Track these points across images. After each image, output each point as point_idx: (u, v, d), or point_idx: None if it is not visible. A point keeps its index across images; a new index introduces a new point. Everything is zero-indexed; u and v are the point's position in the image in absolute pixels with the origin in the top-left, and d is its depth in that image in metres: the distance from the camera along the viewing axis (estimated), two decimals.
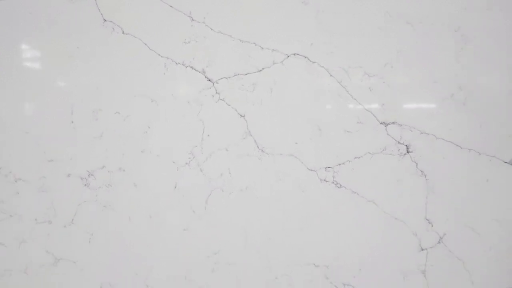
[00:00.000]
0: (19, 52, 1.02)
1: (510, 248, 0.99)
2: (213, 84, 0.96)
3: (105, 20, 0.94)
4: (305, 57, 0.96)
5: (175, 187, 0.97)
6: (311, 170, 0.96)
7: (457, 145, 0.97)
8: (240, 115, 0.96)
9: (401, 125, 0.96)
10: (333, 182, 0.97)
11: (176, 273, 1.00)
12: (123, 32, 0.93)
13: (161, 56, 0.92)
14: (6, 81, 1.01)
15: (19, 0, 1.01)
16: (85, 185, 0.92)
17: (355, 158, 0.96)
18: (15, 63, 0.96)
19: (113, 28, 0.93)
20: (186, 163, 0.96)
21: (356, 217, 0.99)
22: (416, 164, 0.97)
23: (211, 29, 0.92)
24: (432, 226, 0.97)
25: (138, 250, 1.01)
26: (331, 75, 0.96)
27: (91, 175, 0.95)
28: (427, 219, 0.97)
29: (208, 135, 0.96)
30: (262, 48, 0.96)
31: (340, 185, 0.97)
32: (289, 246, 1.01)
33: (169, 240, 0.99)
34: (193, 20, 0.92)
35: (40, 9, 1.03)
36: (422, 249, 0.98)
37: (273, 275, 0.97)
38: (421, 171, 0.97)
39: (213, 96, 0.96)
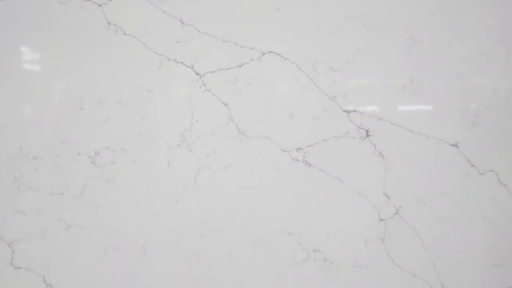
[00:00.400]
0: (36, 53, 1.13)
1: (457, 217, 1.07)
2: (200, 77, 1.08)
3: (109, 24, 1.04)
4: (278, 54, 1.08)
5: (168, 165, 1.09)
6: (284, 151, 1.08)
7: (409, 130, 1.08)
8: (224, 104, 1.08)
9: (361, 113, 1.08)
10: (303, 161, 1.09)
11: (169, 239, 1.11)
12: (124, 33, 1.06)
13: (156, 53, 1.05)
14: (30, 78, 1.13)
15: (37, 8, 1.17)
16: (92, 162, 1.05)
17: (322, 140, 1.08)
18: (34, 64, 1.09)
19: (116, 30, 1.06)
20: (178, 145, 1.08)
21: (324, 191, 1.10)
22: (375, 146, 1.09)
23: (199, 31, 1.05)
24: (389, 200, 1.10)
25: (137, 218, 1.12)
26: (300, 70, 1.08)
27: (97, 154, 1.08)
28: (385, 194, 1.09)
29: (197, 121, 1.08)
30: (242, 47, 1.08)
31: (310, 164, 1.09)
32: (266, 216, 1.12)
33: (164, 210, 1.11)
34: (183, 23, 1.05)
35: (56, 15, 1.11)
36: (381, 220, 1.10)
37: (252, 241, 1.10)
38: (379, 152, 1.09)
39: (200, 87, 1.08)
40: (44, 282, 1.12)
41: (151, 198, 1.12)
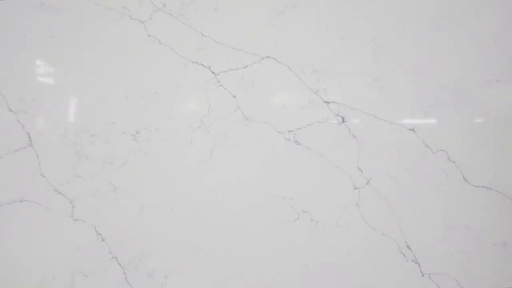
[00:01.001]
0: (99, 56, 1.34)
1: (416, 188, 1.30)
2: (215, 75, 1.31)
3: (149, 35, 1.31)
4: (274, 58, 1.32)
5: (191, 142, 1.31)
6: (279, 132, 1.31)
7: (376, 117, 1.32)
8: (233, 96, 1.31)
9: (338, 104, 1.32)
10: (293, 141, 1.32)
11: (190, 200, 1.33)
12: (160, 43, 1.31)
13: (183, 57, 1.30)
14: (90, 77, 1.36)
15: (101, 24, 1.35)
16: (134, 139, 1.29)
17: (308, 125, 1.32)
18: (97, 64, 1.34)
19: (153, 40, 1.31)
20: (198, 127, 1.31)
21: (310, 165, 1.32)
22: (349, 130, 1.32)
23: (214, 41, 1.31)
24: (362, 172, 1.32)
25: (167, 183, 1.33)
26: (291, 71, 1.32)
27: (138, 132, 1.31)
28: (358, 168, 1.31)
29: (212, 109, 1.31)
30: (246, 53, 1.32)
31: (299, 143, 1.32)
32: (265, 184, 1.33)
33: (186, 177, 1.32)
34: (203, 35, 1.31)
35: (112, 29, 1.35)
36: (355, 188, 1.32)
37: (254, 204, 1.32)
38: (353, 135, 1.32)
39: (215, 83, 1.32)
40: (96, 231, 1.32)
41: (177, 168, 1.33)
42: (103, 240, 1.33)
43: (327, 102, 1.32)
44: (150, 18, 1.34)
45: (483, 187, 1.31)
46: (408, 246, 1.31)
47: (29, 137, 1.35)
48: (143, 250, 1.35)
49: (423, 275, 1.32)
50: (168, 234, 1.35)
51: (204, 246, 1.35)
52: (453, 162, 1.31)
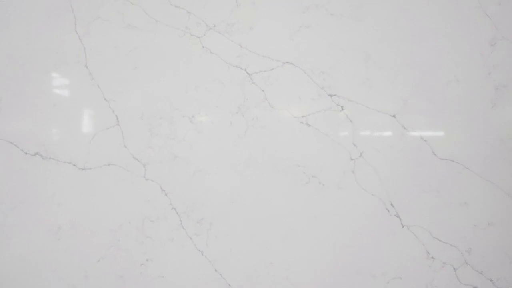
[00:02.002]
0: (168, 63, 1.56)
1: (397, 160, 1.48)
2: (250, 75, 1.52)
3: (203, 47, 1.53)
4: (292, 63, 1.52)
5: (231, 124, 1.51)
6: (295, 117, 1.51)
7: (367, 107, 1.50)
8: (262, 90, 1.51)
9: (338, 97, 1.50)
10: (306, 124, 1.51)
11: (229, 166, 1.52)
12: (210, 52, 1.53)
13: (226, 62, 1.53)
14: (160, 76, 1.57)
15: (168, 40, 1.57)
16: (190, 121, 1.52)
17: (316, 112, 1.50)
18: (169, 70, 1.56)
19: (206, 51, 1.53)
20: (236, 112, 1.52)
21: (318, 141, 1.50)
22: (347, 116, 1.50)
23: (249, 50, 1.52)
24: (356, 147, 1.50)
25: (212, 154, 1.52)
26: (305, 73, 1.51)
27: (193, 116, 1.52)
28: (353, 144, 1.50)
29: (247, 99, 1.52)
30: (272, 59, 1.52)
31: (309, 125, 1.51)
32: (284, 155, 1.51)
33: (227, 150, 1.52)
34: (241, 46, 1.53)
35: (174, 43, 1.56)
36: (351, 159, 1.50)
37: (277, 170, 1.51)
38: (350, 120, 1.50)
39: (249, 81, 1.52)
40: (161, 188, 1.52)
41: (221, 142, 1.53)
42: (166, 195, 1.55)
43: (331, 95, 1.52)
44: (204, 35, 1.55)
45: (447, 159, 1.49)
46: (391, 204, 1.50)
47: (117, 119, 1.57)
48: (194, 203, 1.55)
49: (403, 227, 1.50)
50: (212, 191, 1.54)
51: (239, 201, 1.53)
52: (425, 140, 1.49)
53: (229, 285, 1.54)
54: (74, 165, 1.59)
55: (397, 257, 1.51)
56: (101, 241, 1.58)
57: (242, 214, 1.55)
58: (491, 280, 1.48)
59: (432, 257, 1.50)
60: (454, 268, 1.49)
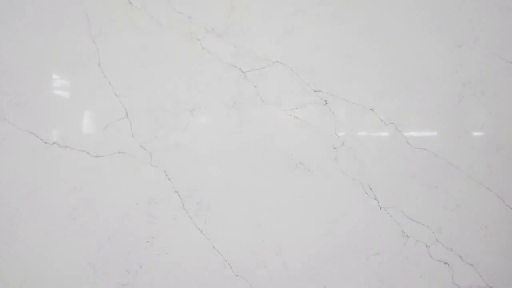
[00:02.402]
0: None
1: (375, 147, 1.59)
2: (244, 73, 1.64)
3: (202, 48, 1.63)
4: (281, 63, 1.63)
5: (227, 115, 1.63)
6: (284, 110, 1.62)
7: (347, 101, 1.61)
8: (254, 86, 1.62)
9: (322, 92, 1.61)
10: (293, 116, 1.62)
11: (224, 153, 1.64)
12: (209, 52, 1.64)
13: (223, 61, 1.64)
14: (165, 74, 1.68)
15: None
16: (191, 114, 1.64)
17: (303, 105, 1.62)
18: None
19: (205, 51, 1.65)
20: (232, 106, 1.63)
21: (304, 132, 1.61)
22: (330, 109, 1.60)
23: (243, 51, 1.64)
24: (338, 137, 1.61)
25: (211, 142, 1.63)
26: (292, 70, 1.62)
27: (194, 109, 1.64)
28: (336, 134, 1.61)
29: (241, 94, 1.64)
30: (263, 59, 1.63)
31: (297, 117, 1.62)
32: (274, 143, 1.63)
33: (225, 137, 1.63)
34: (236, 47, 1.64)
35: (177, 44, 1.68)
36: (334, 148, 1.61)
37: (266, 156, 1.63)
38: (332, 112, 1.61)
39: (243, 78, 1.64)
40: (165, 173, 1.63)
41: (219, 132, 1.65)
42: (169, 179, 1.67)
43: (315, 91, 1.63)
44: (203, 37, 1.66)
45: (420, 148, 1.59)
46: (370, 188, 1.61)
47: (126, 112, 1.68)
48: (194, 187, 1.66)
49: (380, 208, 1.60)
50: (210, 176, 1.65)
51: (234, 185, 1.64)
52: (399, 131, 1.59)
53: (225, 260, 1.69)
54: (88, 153, 1.74)
55: (375, 235, 1.62)
56: (112, 221, 1.72)
57: (237, 196, 1.67)
58: (460, 257, 1.61)
59: (407, 236, 1.62)
60: (426, 246, 1.62)
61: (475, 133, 1.60)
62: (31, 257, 1.76)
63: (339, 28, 1.64)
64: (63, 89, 1.76)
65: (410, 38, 1.63)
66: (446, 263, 1.61)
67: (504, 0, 1.63)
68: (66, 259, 1.75)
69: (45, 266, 1.75)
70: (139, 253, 1.73)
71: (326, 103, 1.65)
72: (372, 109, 1.63)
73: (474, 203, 1.60)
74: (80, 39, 1.76)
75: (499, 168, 1.59)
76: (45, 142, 1.77)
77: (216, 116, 1.68)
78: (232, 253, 1.68)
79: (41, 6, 1.81)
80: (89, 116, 1.75)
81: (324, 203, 1.65)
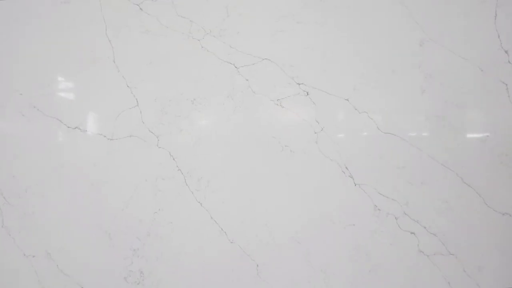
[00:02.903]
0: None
1: (350, 132, 1.74)
2: (237, 69, 1.79)
3: (202, 47, 1.80)
4: (269, 59, 1.78)
5: (223, 104, 1.78)
6: (271, 100, 1.78)
7: (327, 93, 1.76)
8: (246, 80, 1.78)
9: (305, 85, 1.77)
10: (280, 105, 1.77)
11: (222, 137, 1.78)
12: (208, 51, 1.80)
13: (220, 59, 1.80)
14: (170, 71, 1.84)
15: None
16: (192, 103, 1.78)
17: (288, 96, 1.78)
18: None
19: (204, 50, 1.80)
20: (227, 96, 1.79)
21: (288, 119, 1.77)
22: (311, 99, 1.77)
23: (237, 50, 1.80)
24: (318, 123, 1.76)
25: (209, 127, 1.78)
26: (278, 66, 1.77)
27: (195, 99, 1.79)
28: (316, 120, 1.75)
29: (234, 87, 1.79)
30: (254, 56, 1.78)
31: (283, 106, 1.77)
32: (262, 129, 1.79)
33: (219, 123, 1.78)
34: (231, 47, 1.79)
35: (180, 43, 1.84)
36: (315, 132, 1.77)
37: (255, 139, 1.78)
38: (313, 102, 1.77)
39: (237, 73, 1.80)
40: (170, 154, 1.78)
41: (216, 119, 1.80)
42: (173, 159, 1.82)
43: (299, 84, 1.78)
44: (203, 38, 1.81)
45: (389, 133, 1.73)
46: (346, 167, 1.75)
47: (137, 101, 1.83)
48: (195, 166, 1.81)
49: (355, 185, 1.75)
50: (209, 156, 1.80)
51: (230, 164, 1.79)
52: (371, 119, 1.74)
53: (222, 229, 1.88)
54: (104, 136, 1.93)
55: (351, 208, 1.78)
56: (125, 194, 1.91)
57: (232, 174, 1.81)
58: (425, 227, 1.77)
59: (378, 209, 1.77)
60: (395, 218, 1.77)
61: (435, 120, 1.74)
62: (55, 227, 1.95)
63: (319, 30, 1.79)
64: (83, 81, 1.95)
65: (380, 38, 1.78)
66: (412, 233, 1.76)
67: (456, 6, 1.80)
68: (86, 228, 1.89)
69: (67, 234, 1.91)
70: (148, 222, 1.88)
71: (307, 94, 1.79)
72: (347, 99, 1.78)
73: (436, 181, 1.74)
74: (98, 40, 1.96)
75: (457, 150, 1.73)
76: (68, 127, 1.97)
77: (214, 105, 1.83)
78: (228, 223, 1.82)
79: (67, 13, 2.02)
80: (105, 105, 1.89)
81: (307, 180, 1.78)
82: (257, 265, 1.85)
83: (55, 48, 2.01)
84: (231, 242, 1.84)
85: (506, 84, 1.78)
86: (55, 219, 1.91)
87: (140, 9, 1.91)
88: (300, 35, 1.80)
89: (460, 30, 1.77)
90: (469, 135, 1.76)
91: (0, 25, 1.98)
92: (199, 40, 1.86)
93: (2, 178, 1.94)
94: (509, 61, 1.78)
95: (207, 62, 1.84)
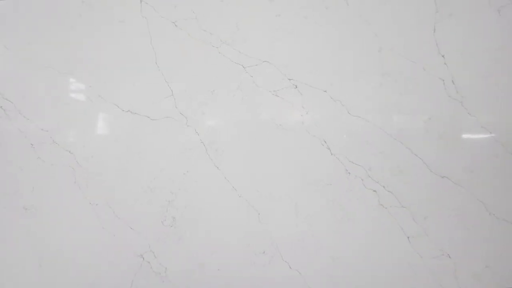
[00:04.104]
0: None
1: (332, 114, 2.20)
2: (244, 68, 2.17)
3: (219, 53, 2.51)
4: (268, 61, 2.16)
5: (234, 96, 2.22)
6: (269, 91, 2.33)
7: (311, 86, 2.13)
8: (251, 76, 2.15)
9: (294, 80, 2.18)
10: (275, 95, 2.16)
11: (225, 114, 2.19)
12: (223, 55, 2.21)
13: (232, 61, 2.21)
14: (187, 72, 2.28)
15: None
16: (210, 96, 2.44)
17: (281, 88, 2.20)
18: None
19: (222, 55, 2.25)
20: (236, 89, 2.20)
21: (282, 107, 2.16)
22: (299, 91, 2.17)
23: (244, 54, 2.24)
24: (304, 108, 2.22)
25: (215, 110, 2.20)
26: (275, 66, 2.14)
27: (213, 92, 2.17)
28: (302, 107, 2.11)
29: (242, 82, 2.19)
30: (257, 59, 2.15)
31: (278, 96, 2.16)
32: (261, 114, 2.18)
33: (230, 111, 2.18)
34: (240, 52, 2.22)
35: (199, 49, 2.37)
36: (301, 115, 2.22)
37: (257, 123, 2.21)
38: (300, 93, 2.19)
39: (245, 72, 2.19)
40: (195, 131, 2.40)
41: (228, 107, 2.20)
42: (198, 135, 2.24)
43: (290, 79, 2.13)
44: (220, 46, 2.17)
45: (357, 116, 2.09)
46: (325, 141, 2.09)
47: (172, 92, 2.27)
48: (213, 139, 2.21)
49: (332, 154, 2.09)
50: (223, 133, 2.23)
51: (238, 140, 2.19)
52: (344, 105, 2.06)
53: (232, 187, 2.36)
54: (148, 117, 2.49)
55: (328, 172, 2.07)
56: (162, 160, 2.39)
57: (241, 146, 2.20)
58: (383, 186, 2.23)
59: (349, 173, 2.18)
60: (361, 179, 2.16)
61: (391, 106, 2.24)
62: (112, 182, 2.54)
63: (305, 40, 2.16)
64: (133, 77, 2.51)
65: (349, 45, 2.14)
66: (374, 190, 2.13)
67: (408, 22, 2.35)
68: (133, 185, 2.28)
69: (120, 189, 2.30)
70: (178, 181, 2.28)
71: (296, 87, 2.16)
72: (325, 91, 2.13)
73: (391, 151, 2.14)
74: (143, 48, 2.48)
75: (407, 129, 2.11)
76: (122, 110, 2.55)
77: (227, 95, 2.22)
78: (237, 182, 2.22)
79: (124, 29, 2.59)
80: (149, 94, 2.26)
81: (296, 151, 2.16)
82: (259, 213, 2.26)
83: (114, 55, 2.61)
84: (239, 196, 2.26)
85: (443, 80, 2.33)
86: (112, 177, 2.34)
87: (175, 25, 2.46)
88: (291, 43, 2.17)
89: (409, 40, 2.25)
90: (415, 117, 2.29)
91: (84, 37, 2.65)
92: (217, 47, 2.24)
93: (75, 147, 2.59)
94: (444, 63, 2.33)
95: (222, 63, 2.23)
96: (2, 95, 2.36)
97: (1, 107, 2.30)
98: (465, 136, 2.25)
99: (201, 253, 2.35)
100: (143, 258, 2.56)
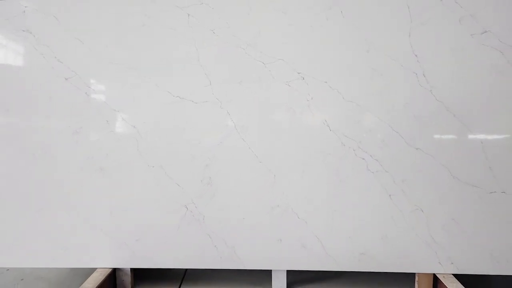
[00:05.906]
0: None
1: (329, 98, 3.17)
2: (265, 65, 2.96)
3: (245, 53, 3.48)
4: (282, 60, 2.97)
5: (260, 79, 3.14)
6: (282, 82, 3.19)
7: (312, 77, 3.11)
8: (269, 70, 2.97)
9: (301, 73, 3.05)
10: (287, 85, 3.00)
11: (247, 106, 3.05)
12: (249, 56, 3.23)
13: (256, 60, 3.01)
14: (210, 71, 3.33)
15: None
16: (236, 87, 3.48)
17: (291, 80, 3.13)
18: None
19: (248, 55, 3.19)
20: (258, 80, 2.99)
21: (292, 92, 3.03)
22: (305, 81, 3.04)
23: (264, 54, 3.09)
24: (309, 94, 3.15)
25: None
26: (286, 63, 2.95)
27: (237, 83, 2.99)
28: (308, 94, 3.08)
29: (262, 74, 3.02)
30: (273, 57, 2.98)
31: (289, 85, 3.07)
32: (274, 98, 3.09)
33: (253, 98, 3.08)
34: (261, 52, 3.14)
35: (227, 52, 3.59)
36: (307, 100, 3.14)
37: (271, 106, 3.18)
38: (306, 83, 3.00)
39: (264, 67, 2.99)
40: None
41: (251, 96, 3.02)
42: (229, 115, 3.08)
43: (298, 73, 2.86)
44: (246, 47, 2.90)
45: (350, 101, 3.10)
46: (326, 120, 3.06)
47: (210, 82, 3.10)
48: (240, 117, 3.05)
49: (330, 131, 3.07)
50: (248, 112, 3.09)
51: (260, 118, 3.06)
52: (340, 93, 3.03)
53: (255, 154, 3.18)
54: (192, 101, 3.19)
55: (329, 145, 2.95)
56: (203, 134, 3.15)
57: (261, 124, 2.97)
58: (371, 156, 3.14)
59: (344, 145, 3.11)
60: (353, 150, 3.12)
61: (378, 94, 3.10)
62: (165, 151, 3.37)
63: (311, 42, 2.95)
64: (181, 70, 3.26)
65: (344, 46, 2.95)
66: (363, 158, 2.92)
67: (390, 25, 3.09)
68: (178, 153, 3.10)
69: (171, 156, 3.09)
70: (214, 150, 3.02)
71: (303, 79, 2.90)
72: (326, 82, 2.91)
73: (377, 128, 3.12)
74: (188, 50, 3.32)
75: (390, 110, 3.07)
76: (173, 95, 3.35)
77: (251, 84, 2.94)
78: (258, 151, 2.99)
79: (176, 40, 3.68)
80: (193, 84, 2.97)
81: (302, 128, 2.90)
82: (274, 175, 3.03)
83: (166, 54, 3.40)
84: (260, 162, 2.99)
85: (416, 73, 3.09)
86: (164, 146, 3.06)
87: (213, 32, 3.09)
88: (300, 45, 2.92)
89: (390, 43, 2.93)
90: (396, 102, 3.08)
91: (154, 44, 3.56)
92: (243, 48, 2.94)
93: (138, 123, 3.46)
94: (417, 61, 3.07)
95: (248, 60, 2.91)
96: (86, 83, 3.32)
97: (85, 93, 3.14)
98: (433, 117, 3.03)
99: (230, 205, 3.09)
100: (187, 208, 3.20)
